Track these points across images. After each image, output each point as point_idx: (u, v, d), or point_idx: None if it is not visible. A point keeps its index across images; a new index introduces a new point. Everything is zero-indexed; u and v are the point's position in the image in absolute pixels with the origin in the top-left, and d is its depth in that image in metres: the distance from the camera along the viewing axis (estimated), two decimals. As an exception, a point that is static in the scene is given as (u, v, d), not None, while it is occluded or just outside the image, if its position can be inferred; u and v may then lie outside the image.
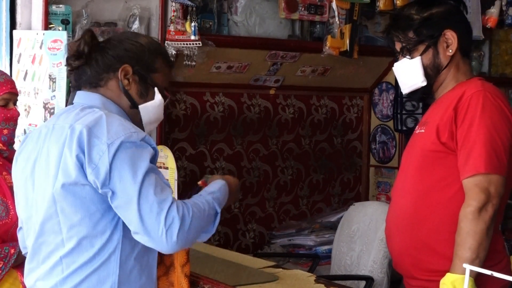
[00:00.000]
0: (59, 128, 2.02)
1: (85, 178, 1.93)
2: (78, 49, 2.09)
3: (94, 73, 2.10)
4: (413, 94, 2.48)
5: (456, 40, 2.40)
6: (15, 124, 2.68)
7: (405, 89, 2.48)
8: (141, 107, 2.12)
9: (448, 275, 2.17)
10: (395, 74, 2.52)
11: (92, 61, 2.10)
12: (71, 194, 1.95)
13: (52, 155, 1.99)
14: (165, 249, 1.95)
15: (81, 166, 1.93)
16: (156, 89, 2.14)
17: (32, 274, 2.08)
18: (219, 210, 2.08)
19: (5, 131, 2.63)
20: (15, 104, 2.69)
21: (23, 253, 2.29)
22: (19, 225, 2.25)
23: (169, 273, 2.42)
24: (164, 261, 2.39)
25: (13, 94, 2.68)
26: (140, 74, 2.11)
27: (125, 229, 1.99)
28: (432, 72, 2.41)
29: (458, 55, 2.42)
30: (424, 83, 2.42)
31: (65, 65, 2.17)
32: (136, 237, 1.96)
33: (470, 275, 2.15)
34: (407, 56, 2.43)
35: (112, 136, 1.93)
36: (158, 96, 2.14)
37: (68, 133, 1.96)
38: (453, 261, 2.19)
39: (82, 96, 2.11)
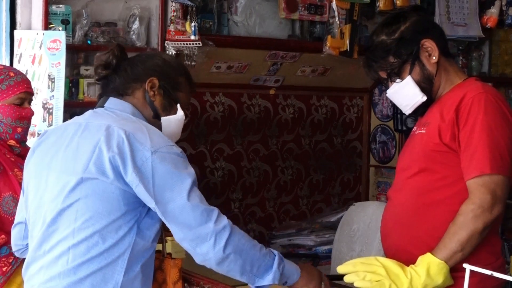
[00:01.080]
0: (94, 126, 2.08)
1: (118, 179, 1.98)
2: (106, 60, 2.20)
3: (123, 81, 2.20)
4: (416, 111, 2.48)
5: (435, 46, 2.41)
6: (29, 123, 2.75)
7: (407, 110, 2.48)
8: (163, 119, 2.22)
9: (428, 255, 2.19)
10: (392, 100, 2.53)
11: (121, 71, 2.21)
12: (98, 186, 1.99)
13: (83, 150, 2.03)
14: (211, 255, 1.98)
15: (116, 167, 1.98)
16: (178, 105, 2.24)
17: (37, 262, 2.09)
18: (276, 254, 2.08)
19: (19, 129, 2.70)
20: (30, 103, 2.76)
21: (13, 250, 2.32)
22: (17, 220, 2.27)
23: None
24: (156, 278, 2.40)
25: (29, 94, 2.75)
26: (165, 89, 2.22)
27: (138, 234, 2.04)
28: (426, 85, 2.42)
29: (442, 58, 2.43)
30: (424, 98, 2.42)
31: (94, 75, 2.27)
32: (183, 244, 2.00)
33: (448, 264, 2.17)
34: (397, 80, 2.43)
35: (155, 145, 2.01)
36: (180, 112, 2.24)
37: (105, 132, 2.02)
38: (438, 245, 2.21)
39: (114, 103, 2.19)
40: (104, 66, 2.21)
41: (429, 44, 2.41)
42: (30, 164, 2.21)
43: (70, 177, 2.03)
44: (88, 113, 2.20)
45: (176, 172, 2.00)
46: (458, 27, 4.53)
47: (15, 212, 2.50)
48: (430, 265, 2.17)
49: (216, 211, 2.00)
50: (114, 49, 2.22)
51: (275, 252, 2.10)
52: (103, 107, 2.19)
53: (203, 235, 1.97)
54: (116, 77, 2.21)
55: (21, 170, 2.54)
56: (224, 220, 1.99)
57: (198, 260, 2.03)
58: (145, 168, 1.98)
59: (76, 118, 2.24)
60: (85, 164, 2.01)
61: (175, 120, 2.24)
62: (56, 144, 2.13)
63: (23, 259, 2.52)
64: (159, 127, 2.20)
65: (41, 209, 2.10)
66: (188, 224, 1.97)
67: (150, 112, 2.20)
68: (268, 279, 2.06)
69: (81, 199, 2.01)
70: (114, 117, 2.11)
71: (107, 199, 1.99)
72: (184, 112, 2.26)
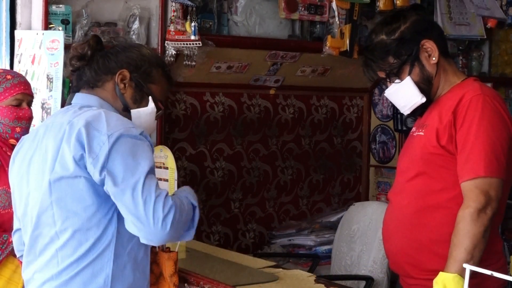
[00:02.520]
0: (57, 125, 2.09)
1: (82, 171, 1.99)
2: (81, 52, 2.20)
3: (94, 74, 2.19)
4: (415, 111, 2.47)
5: (435, 46, 2.39)
6: (28, 123, 2.83)
7: (406, 110, 2.47)
8: (133, 111, 2.21)
9: (441, 274, 2.17)
10: (390, 100, 2.51)
11: (93, 63, 2.20)
12: (67, 186, 2.00)
13: (50, 150, 2.05)
14: (156, 239, 1.99)
15: (79, 159, 1.98)
16: (150, 98, 2.22)
17: (30, 267, 2.13)
18: (195, 204, 2.14)
19: (17, 129, 2.79)
20: (29, 105, 2.85)
21: (17, 256, 2.36)
22: (15, 227, 2.30)
23: (159, 282, 2.46)
24: (153, 271, 2.41)
25: (27, 95, 2.84)
26: (137, 81, 2.21)
27: (119, 223, 2.04)
28: (425, 86, 2.41)
29: (441, 59, 2.42)
30: (424, 99, 2.41)
31: (69, 66, 2.27)
32: (130, 226, 1.98)
33: (459, 274, 2.12)
34: (396, 80, 2.42)
35: (112, 129, 2.00)
36: (151, 104, 2.23)
37: (66, 128, 2.03)
38: (447, 261, 2.19)
39: (80, 97, 2.20)
40: (79, 58, 2.20)
41: (429, 45, 2.40)
42: (12, 173, 2.24)
43: (42, 179, 2.05)
44: (56, 112, 2.24)
45: (132, 155, 1.99)
46: (461, 27, 4.51)
47: (6, 206, 2.63)
48: (446, 282, 2.12)
49: (164, 192, 1.99)
50: (90, 40, 2.22)
51: (194, 202, 2.14)
52: (70, 104, 2.20)
53: (150, 221, 1.95)
54: (87, 70, 2.20)
55: None
56: (170, 201, 1.99)
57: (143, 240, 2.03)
58: (102, 152, 1.97)
59: (46, 119, 2.26)
60: (52, 165, 2.02)
61: (144, 112, 2.22)
62: (30, 149, 2.15)
63: (10, 252, 2.60)
64: (129, 119, 2.19)
65: (27, 215, 2.14)
66: (137, 206, 1.95)
67: (120, 105, 2.20)
68: (190, 234, 2.14)
69: (54, 202, 2.02)
70: (76, 111, 2.11)
71: (79, 196, 2.00)
72: (157, 104, 2.24)
